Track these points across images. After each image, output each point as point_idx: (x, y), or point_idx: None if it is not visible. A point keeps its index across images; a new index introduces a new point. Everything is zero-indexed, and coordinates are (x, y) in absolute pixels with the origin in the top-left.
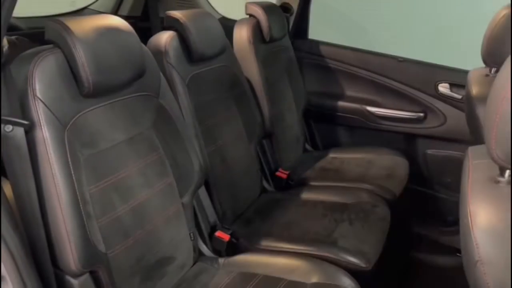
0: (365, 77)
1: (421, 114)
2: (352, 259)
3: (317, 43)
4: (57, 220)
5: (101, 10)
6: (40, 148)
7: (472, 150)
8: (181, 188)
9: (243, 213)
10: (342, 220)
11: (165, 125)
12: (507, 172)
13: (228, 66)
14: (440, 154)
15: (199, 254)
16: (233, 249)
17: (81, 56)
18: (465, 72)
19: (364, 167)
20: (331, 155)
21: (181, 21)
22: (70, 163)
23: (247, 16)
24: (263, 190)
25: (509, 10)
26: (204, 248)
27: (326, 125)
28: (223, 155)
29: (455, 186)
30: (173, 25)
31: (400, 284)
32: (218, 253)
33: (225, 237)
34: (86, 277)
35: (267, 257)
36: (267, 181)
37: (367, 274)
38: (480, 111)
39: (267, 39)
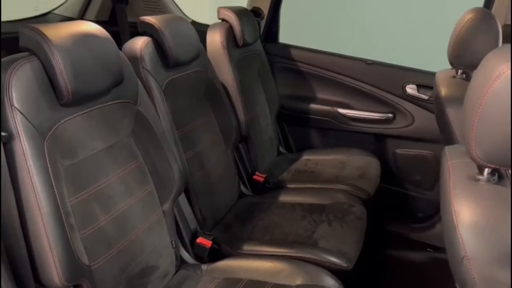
0: (336, 80)
1: (390, 115)
2: (334, 259)
3: (288, 47)
4: (39, 234)
5: (66, 14)
6: (19, 160)
7: (449, 150)
8: (162, 195)
9: (222, 219)
10: (321, 221)
11: (144, 132)
12: (486, 170)
13: (203, 71)
14: (409, 153)
15: (181, 262)
16: (215, 255)
17: (59, 64)
18: (432, 74)
19: (338, 168)
20: (305, 157)
21: (156, 26)
22: (50, 174)
23: (219, 21)
24: (241, 194)
25: (474, 13)
26: (186, 255)
27: (299, 128)
28: (202, 161)
29: (424, 183)
30: (147, 30)
31: (379, 282)
32: (200, 259)
33: (207, 243)
34: None
35: (250, 262)
36: (245, 185)
37: (349, 273)
38: (449, 110)
39: (240, 43)
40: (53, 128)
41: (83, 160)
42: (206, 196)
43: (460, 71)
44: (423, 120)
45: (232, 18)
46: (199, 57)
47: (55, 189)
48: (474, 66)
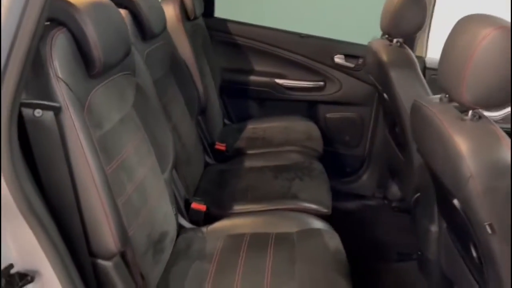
0: (272, 52)
1: (321, 83)
2: (315, 206)
3: (224, 21)
4: (95, 203)
5: None
6: (70, 132)
7: (422, 102)
8: (162, 165)
9: (198, 186)
10: (292, 178)
11: (144, 104)
12: (470, 112)
13: (167, 44)
14: (338, 116)
15: (179, 228)
16: (208, 218)
17: (93, 35)
18: (357, 45)
19: (285, 133)
20: (250, 126)
21: None
22: (96, 145)
23: None
24: (206, 164)
25: None
26: (183, 221)
27: (239, 99)
28: (178, 132)
29: (351, 142)
30: (122, 2)
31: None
32: (196, 224)
33: (202, 207)
34: (118, 258)
35: (245, 218)
36: (208, 155)
37: (329, 217)
38: (393, 73)
39: (192, 16)
40: (88, 99)
41: (108, 131)
42: (186, 165)
43: (395, 40)
44: (350, 86)
45: None
46: (165, 30)
47: (101, 159)
48: (408, 34)
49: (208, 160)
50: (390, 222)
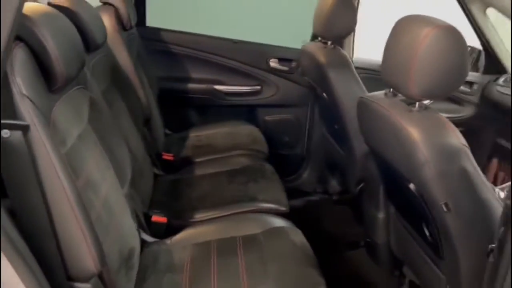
0: (208, 59)
1: (258, 87)
2: (274, 206)
3: (157, 30)
4: (71, 224)
5: None
6: (40, 151)
7: (368, 99)
8: (120, 180)
9: (153, 199)
10: (247, 181)
11: (98, 119)
12: (417, 104)
13: (108, 55)
14: (276, 118)
15: (142, 242)
16: (169, 230)
17: (53, 49)
18: (289, 48)
19: (229, 138)
20: (193, 134)
21: (73, 9)
22: (67, 162)
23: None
24: (155, 175)
25: None
26: (145, 236)
27: (178, 109)
28: (128, 145)
29: (290, 142)
30: (65, 13)
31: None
32: (158, 237)
33: (162, 220)
34: (96, 279)
35: (207, 226)
36: (155, 165)
37: (287, 215)
38: (332, 73)
39: (128, 26)
40: (51, 115)
41: (71, 148)
42: (139, 178)
43: (329, 42)
44: (285, 89)
45: (117, 1)
46: (106, 41)
47: (72, 177)
48: (341, 36)
49: (157, 171)
50: (334, 214)
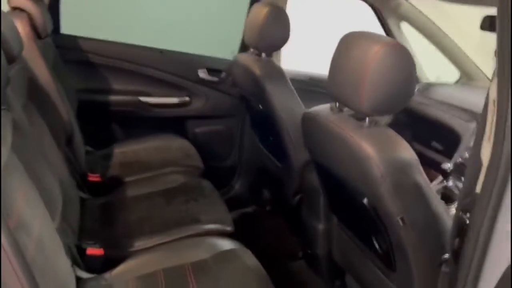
0: (132, 70)
1: (187, 98)
2: (219, 226)
3: (74, 38)
4: (8, 277)
5: None
6: None
7: (314, 113)
8: (51, 212)
9: (82, 228)
10: (186, 201)
11: (23, 144)
12: (367, 119)
13: (25, 68)
14: (206, 130)
15: (77, 280)
16: (107, 263)
17: None
18: (218, 59)
19: (159, 154)
20: (118, 150)
21: None
22: None
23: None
24: (81, 199)
25: (267, 8)
26: (80, 272)
27: (100, 123)
28: (53, 169)
29: (221, 153)
30: None
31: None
32: (95, 272)
33: (99, 252)
34: None
35: (150, 255)
36: (81, 188)
37: (233, 234)
38: (268, 85)
39: (43, 35)
40: None
41: None
42: (66, 205)
43: (263, 54)
44: (215, 99)
45: (31, 6)
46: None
47: None
48: (275, 48)
49: (83, 195)
50: (269, 225)
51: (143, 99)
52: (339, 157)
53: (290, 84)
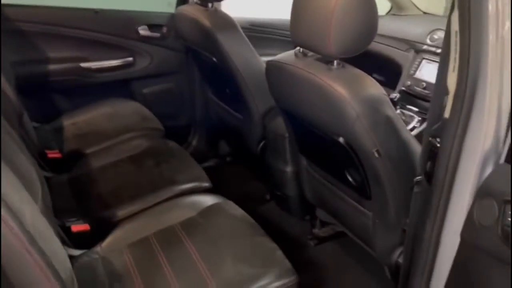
0: (68, 35)
1: (130, 59)
2: (197, 184)
3: None
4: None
5: None
6: None
7: (279, 61)
8: (33, 195)
9: (56, 206)
10: (157, 164)
11: None
12: (335, 62)
13: None
14: (155, 90)
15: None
16: (93, 237)
17: None
18: (158, 13)
19: (114, 120)
20: (68, 122)
21: None
22: None
23: None
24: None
25: None
26: (71, 250)
27: (41, 95)
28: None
29: (175, 112)
30: None
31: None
32: (83, 247)
33: (84, 227)
34: None
35: (135, 222)
36: (43, 167)
37: (212, 189)
38: (220, 36)
39: None
40: None
41: None
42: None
43: (210, 5)
44: (160, 57)
45: None
46: None
47: None
48: None
49: (46, 173)
50: (232, 175)
51: (84, 65)
52: (311, 101)
53: (243, 33)
